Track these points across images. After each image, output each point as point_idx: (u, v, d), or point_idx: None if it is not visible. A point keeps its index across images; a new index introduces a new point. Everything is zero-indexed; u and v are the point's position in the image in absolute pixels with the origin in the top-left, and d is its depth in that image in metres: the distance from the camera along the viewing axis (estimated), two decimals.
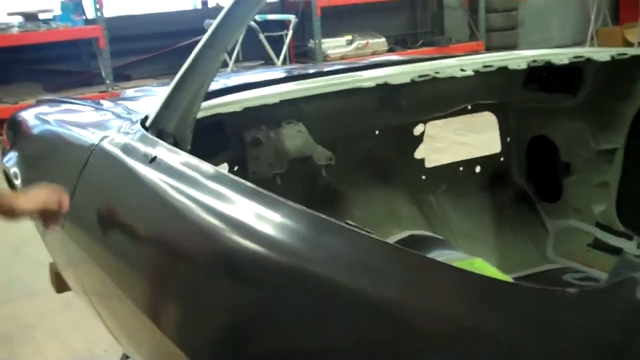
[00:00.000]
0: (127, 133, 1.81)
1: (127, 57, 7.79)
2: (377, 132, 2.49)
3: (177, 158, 1.53)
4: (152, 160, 1.57)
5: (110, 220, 1.71)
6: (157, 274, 1.51)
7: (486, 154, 2.78)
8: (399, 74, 2.09)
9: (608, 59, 2.26)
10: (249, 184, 1.29)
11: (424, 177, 2.66)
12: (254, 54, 7.83)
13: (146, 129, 1.75)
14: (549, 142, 2.63)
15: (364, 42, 8.47)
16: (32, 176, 2.35)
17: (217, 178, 1.39)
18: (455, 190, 2.69)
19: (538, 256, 2.66)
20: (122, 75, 7.70)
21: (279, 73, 2.98)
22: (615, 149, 2.47)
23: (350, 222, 1.24)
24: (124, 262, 1.63)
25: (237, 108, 1.87)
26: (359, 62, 3.18)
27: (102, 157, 1.84)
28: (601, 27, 10.01)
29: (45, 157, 2.33)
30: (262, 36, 7.08)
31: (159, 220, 1.53)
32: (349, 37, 8.49)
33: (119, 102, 2.56)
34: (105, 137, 1.89)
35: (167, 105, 1.68)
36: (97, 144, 1.88)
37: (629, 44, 9.83)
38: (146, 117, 1.83)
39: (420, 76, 2.09)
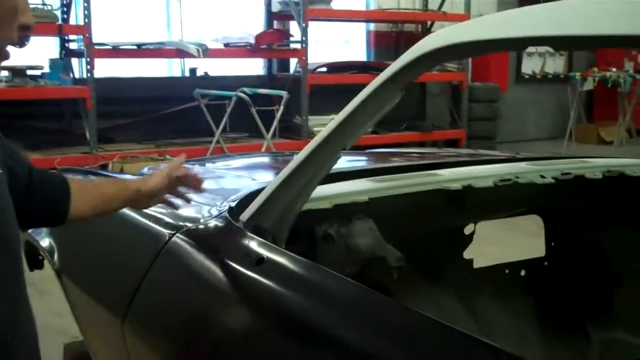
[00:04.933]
0: (213, 225, 1.68)
1: (112, 119, 7.65)
2: (431, 230, 2.42)
3: (294, 262, 1.40)
4: (259, 262, 1.44)
5: (192, 323, 1.56)
6: None
7: (531, 258, 2.72)
8: (480, 176, 2.03)
9: None
10: (401, 304, 1.18)
11: (471, 278, 2.58)
12: (240, 126, 7.77)
13: (236, 221, 1.62)
14: (598, 249, 2.57)
15: None
16: (76, 259, 2.19)
17: (356, 292, 1.28)
18: (501, 292, 2.62)
19: None
20: (106, 138, 7.54)
21: (345, 161, 2.90)
22: None
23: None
24: None
25: (326, 205, 1.77)
26: (416, 152, 3.11)
27: (180, 251, 1.69)
28: (576, 124, 10.24)
29: (99, 239, 2.15)
30: (253, 110, 7.03)
31: (265, 329, 1.39)
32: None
33: None
34: (181, 228, 1.75)
35: (270, 200, 1.56)
36: (172, 235, 1.73)
37: (604, 142, 10.09)
38: (231, 208, 1.70)
39: (501, 180, 2.03)
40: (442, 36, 1.35)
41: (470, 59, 9.85)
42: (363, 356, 1.19)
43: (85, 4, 6.90)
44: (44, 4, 7.07)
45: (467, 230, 2.55)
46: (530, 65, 10.88)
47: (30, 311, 1.26)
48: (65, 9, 7.48)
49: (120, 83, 7.99)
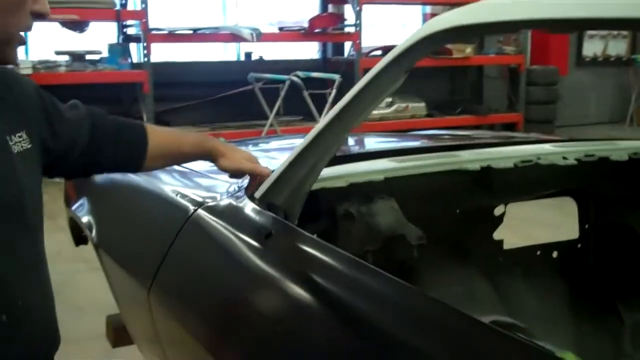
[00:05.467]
0: (230, 201, 1.76)
1: (168, 103, 7.83)
2: (457, 211, 2.44)
3: (297, 237, 1.46)
4: (267, 236, 1.50)
5: (210, 292, 1.65)
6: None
7: (563, 240, 2.71)
8: (501, 157, 2.05)
9: None
10: (389, 275, 1.22)
11: (501, 258, 2.59)
12: (294, 109, 7.85)
13: (252, 199, 1.70)
14: (632, 232, 2.55)
15: (404, 105, 8.48)
16: (111, 233, 2.30)
17: (351, 265, 1.32)
18: (532, 274, 2.62)
19: (614, 348, 2.57)
20: (162, 121, 7.72)
21: (370, 144, 2.94)
22: None
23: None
24: (226, 339, 1.55)
25: (342, 183, 1.82)
26: (443, 134, 3.14)
27: (202, 225, 1.77)
28: (638, 108, 10.00)
29: (131, 214, 2.26)
30: (306, 93, 7.08)
31: (269, 298, 1.47)
32: (389, 100, 8.50)
33: None
34: (204, 203, 1.83)
35: (281, 178, 1.63)
36: (195, 211, 1.82)
37: None
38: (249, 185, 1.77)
39: (522, 161, 2.04)
40: (443, 20, 1.39)
41: (529, 42, 9.72)
42: (357, 328, 1.24)
43: None
44: None
45: (497, 211, 2.57)
46: (591, 47, 10.65)
47: (45, 284, 1.34)
48: None
49: (176, 67, 8.16)
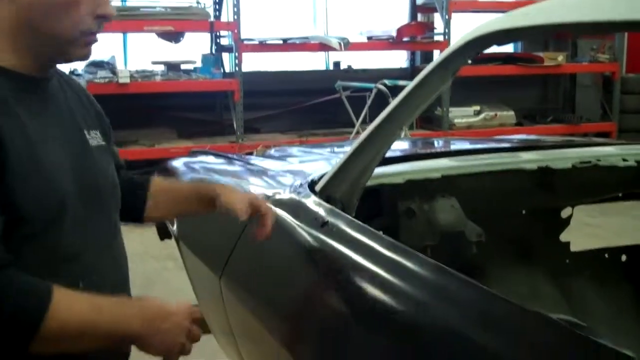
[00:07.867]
0: (293, 194, 1.88)
1: (258, 111, 8.07)
2: (523, 212, 2.49)
3: (350, 225, 1.57)
4: (323, 225, 1.62)
5: (272, 278, 1.78)
6: (315, 335, 1.55)
7: (633, 244, 2.71)
8: (560, 158, 2.09)
9: None
10: (431, 260, 1.31)
11: (568, 260, 2.62)
12: None
13: (314, 192, 1.82)
14: None
15: (492, 113, 8.43)
16: (190, 225, 2.46)
17: (392, 249, 1.42)
18: (599, 277, 2.64)
19: None
20: (252, 128, 7.96)
21: (435, 146, 3.03)
22: None
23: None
24: (284, 320, 1.67)
25: (399, 180, 1.92)
26: (508, 138, 3.19)
27: None
28: None
29: None
30: (391, 101, 7.16)
31: (324, 283, 1.58)
32: (477, 108, 8.47)
33: (267, 159, 2.66)
34: (271, 196, 1.97)
35: (340, 172, 1.74)
36: None
37: None
38: (312, 181, 1.89)
39: (581, 162, 2.09)
40: (484, 26, 1.48)
41: (625, 50, 9.49)
42: (396, 310, 1.33)
43: (235, 2, 7.32)
44: (198, 2, 7.57)
45: (564, 214, 2.60)
46: None
47: (119, 260, 1.49)
48: (217, 7, 7.95)
49: (266, 76, 8.39)
